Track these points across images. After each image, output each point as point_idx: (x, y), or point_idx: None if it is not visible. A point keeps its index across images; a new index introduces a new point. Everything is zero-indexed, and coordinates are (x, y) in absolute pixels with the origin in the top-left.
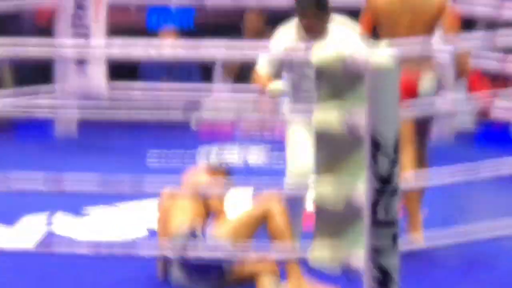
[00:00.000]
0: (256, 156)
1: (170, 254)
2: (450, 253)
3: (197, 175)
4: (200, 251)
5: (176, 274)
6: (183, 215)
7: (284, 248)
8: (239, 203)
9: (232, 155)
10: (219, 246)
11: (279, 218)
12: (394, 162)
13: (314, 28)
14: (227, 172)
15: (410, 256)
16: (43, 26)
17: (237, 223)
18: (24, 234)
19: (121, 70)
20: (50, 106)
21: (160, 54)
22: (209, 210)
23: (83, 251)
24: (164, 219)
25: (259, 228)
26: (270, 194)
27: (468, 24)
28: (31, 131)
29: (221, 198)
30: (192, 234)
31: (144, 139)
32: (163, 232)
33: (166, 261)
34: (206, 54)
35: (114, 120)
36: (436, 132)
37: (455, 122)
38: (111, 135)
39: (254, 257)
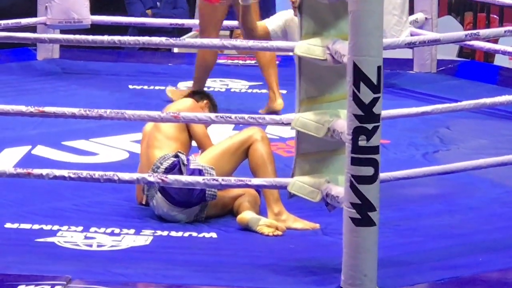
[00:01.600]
0: (237, 84)
1: (152, 180)
2: (429, 182)
3: (181, 101)
4: (183, 179)
5: (158, 201)
6: (167, 142)
7: (266, 178)
8: (222, 131)
9: (214, 82)
10: (201, 175)
11: (261, 145)
12: (376, 89)
13: None
14: (211, 101)
15: (389, 185)
16: None
17: (219, 150)
18: (4, 162)
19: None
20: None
21: None
22: (193, 137)
23: (63, 173)
24: (147, 145)
25: (241, 156)
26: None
27: None
28: (13, 56)
29: (205, 125)
30: (176, 162)
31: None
32: (146, 158)
33: (148, 188)
34: None
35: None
36: (418, 60)
37: (437, 53)
38: (94, 60)
39: (235, 187)
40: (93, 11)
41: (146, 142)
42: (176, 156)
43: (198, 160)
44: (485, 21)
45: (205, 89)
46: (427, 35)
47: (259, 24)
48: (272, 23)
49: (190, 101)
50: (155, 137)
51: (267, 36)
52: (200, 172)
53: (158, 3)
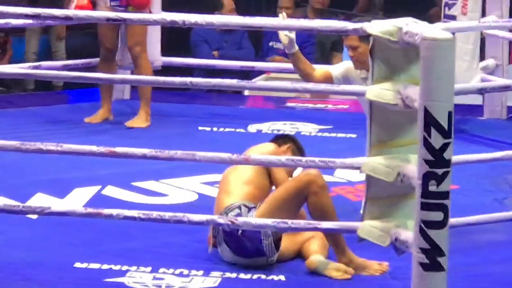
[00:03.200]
0: (307, 127)
1: (222, 222)
2: (498, 228)
3: (263, 145)
4: (252, 222)
5: (223, 249)
6: (241, 186)
7: (335, 222)
8: None
9: (284, 125)
10: (261, 222)
11: (322, 196)
12: (447, 134)
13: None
14: (296, 145)
15: (458, 231)
16: None
17: (276, 202)
18: (75, 202)
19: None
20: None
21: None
22: (274, 182)
23: (133, 214)
24: (220, 190)
25: (300, 204)
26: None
27: None
28: (84, 96)
29: (287, 171)
30: (241, 209)
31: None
32: (217, 203)
33: (216, 233)
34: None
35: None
36: (488, 106)
37: (507, 99)
38: (164, 101)
39: (305, 230)
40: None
41: (220, 186)
42: (239, 207)
43: (254, 215)
44: None
45: (276, 131)
46: (497, 81)
47: (322, 69)
48: (335, 69)
49: (271, 145)
50: (229, 181)
51: (329, 81)
52: (254, 233)
53: (224, 44)
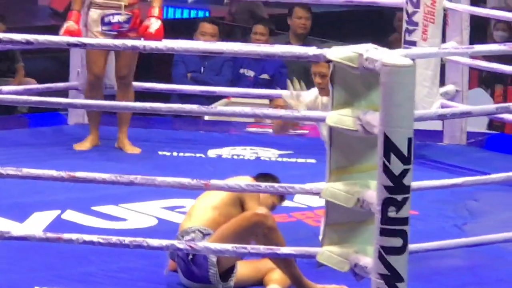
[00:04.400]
0: (267, 152)
1: (181, 247)
2: (458, 254)
3: (241, 178)
4: (212, 247)
5: (178, 271)
6: (205, 212)
7: (295, 248)
8: None
9: (244, 150)
10: (220, 247)
11: (272, 236)
12: (406, 161)
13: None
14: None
15: (417, 257)
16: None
17: (226, 237)
18: (34, 226)
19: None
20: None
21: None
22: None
23: (92, 238)
24: (188, 212)
25: (249, 241)
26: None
27: None
28: (45, 120)
29: (261, 202)
30: (195, 233)
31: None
32: (181, 226)
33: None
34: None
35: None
36: (448, 132)
37: (467, 124)
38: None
39: (264, 256)
40: (141, 78)
41: (188, 210)
42: (195, 232)
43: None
44: None
45: (236, 157)
46: (458, 107)
47: None
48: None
49: (249, 179)
50: (196, 206)
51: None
52: (204, 258)
53: (202, 68)
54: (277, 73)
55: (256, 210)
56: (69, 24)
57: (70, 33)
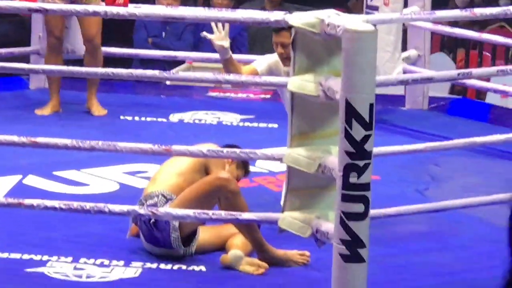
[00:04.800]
0: (229, 117)
1: (143, 213)
2: (419, 219)
3: (206, 145)
4: (173, 212)
5: (141, 235)
6: (170, 177)
7: (256, 213)
8: None
9: (206, 115)
10: (181, 213)
11: (234, 201)
12: (368, 126)
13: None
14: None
15: (379, 222)
16: None
17: (188, 201)
18: None
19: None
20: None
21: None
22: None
23: (54, 204)
24: (152, 177)
25: (212, 205)
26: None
27: None
28: (6, 85)
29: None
30: (159, 198)
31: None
32: (144, 190)
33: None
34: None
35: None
36: (410, 97)
37: (429, 90)
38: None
39: (225, 222)
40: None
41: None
42: (158, 196)
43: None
44: (478, 58)
45: (198, 121)
46: (420, 72)
47: (248, 67)
48: (260, 65)
49: (214, 146)
50: (161, 171)
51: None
52: (166, 222)
53: (163, 33)
54: (237, 36)
55: (219, 174)
56: None
57: None
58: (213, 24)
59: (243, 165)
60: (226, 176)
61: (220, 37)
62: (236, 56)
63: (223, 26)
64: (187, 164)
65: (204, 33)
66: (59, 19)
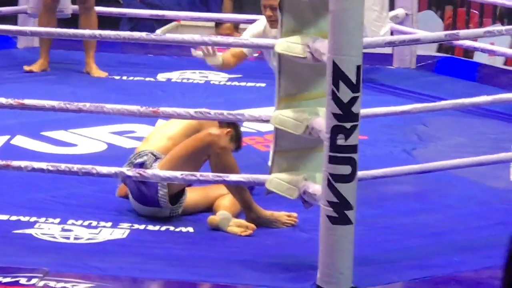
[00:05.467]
0: (217, 76)
1: (130, 174)
2: (406, 180)
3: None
4: (161, 174)
5: (129, 194)
6: (161, 139)
7: (243, 175)
8: None
9: (194, 74)
10: (169, 174)
11: (223, 155)
12: (355, 88)
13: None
14: (236, 133)
15: (366, 183)
16: None
17: (178, 158)
18: None
19: None
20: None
21: None
22: None
23: (41, 166)
24: (145, 138)
25: (201, 163)
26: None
27: None
28: None
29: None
30: (148, 156)
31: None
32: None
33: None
34: None
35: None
36: (398, 56)
37: (417, 49)
38: (75, 49)
39: (212, 183)
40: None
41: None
42: (147, 155)
43: (157, 166)
44: (465, 16)
45: (185, 80)
46: (407, 34)
47: (235, 50)
48: (247, 35)
49: (215, 123)
50: (154, 133)
51: (243, 55)
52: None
53: None
54: None
55: (209, 130)
56: None
57: None
58: (202, 49)
59: (237, 139)
60: (217, 132)
61: (210, 56)
62: (226, 16)
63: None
64: (180, 128)
65: (194, 53)
66: None
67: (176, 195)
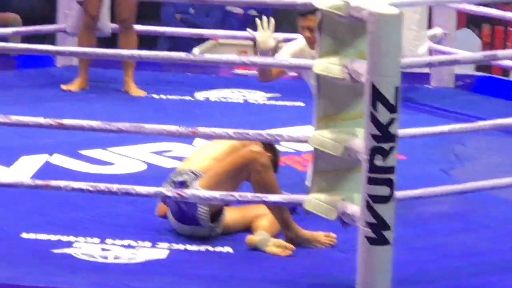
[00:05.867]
0: (255, 95)
1: (169, 194)
2: (444, 200)
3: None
4: (200, 194)
5: (169, 213)
6: (204, 159)
7: (282, 195)
8: None
9: (232, 93)
10: (207, 194)
11: (264, 175)
12: (393, 109)
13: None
14: (274, 155)
15: (404, 203)
16: None
17: (219, 176)
18: (22, 171)
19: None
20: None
21: None
22: None
23: (81, 186)
24: (186, 157)
25: (242, 180)
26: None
27: None
28: (32, 62)
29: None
30: (188, 175)
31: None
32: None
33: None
34: None
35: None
36: (436, 75)
37: (455, 68)
38: (114, 68)
39: (252, 203)
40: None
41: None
42: (187, 173)
43: (197, 184)
44: (503, 34)
45: (223, 99)
46: (445, 53)
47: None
48: (286, 54)
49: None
50: (196, 152)
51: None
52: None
53: (191, 9)
54: (264, 8)
55: (251, 147)
56: None
57: None
58: (257, 21)
59: (274, 160)
60: (258, 149)
61: (264, 36)
62: None
63: (269, 22)
64: (223, 148)
65: (249, 30)
66: None
67: (215, 214)
